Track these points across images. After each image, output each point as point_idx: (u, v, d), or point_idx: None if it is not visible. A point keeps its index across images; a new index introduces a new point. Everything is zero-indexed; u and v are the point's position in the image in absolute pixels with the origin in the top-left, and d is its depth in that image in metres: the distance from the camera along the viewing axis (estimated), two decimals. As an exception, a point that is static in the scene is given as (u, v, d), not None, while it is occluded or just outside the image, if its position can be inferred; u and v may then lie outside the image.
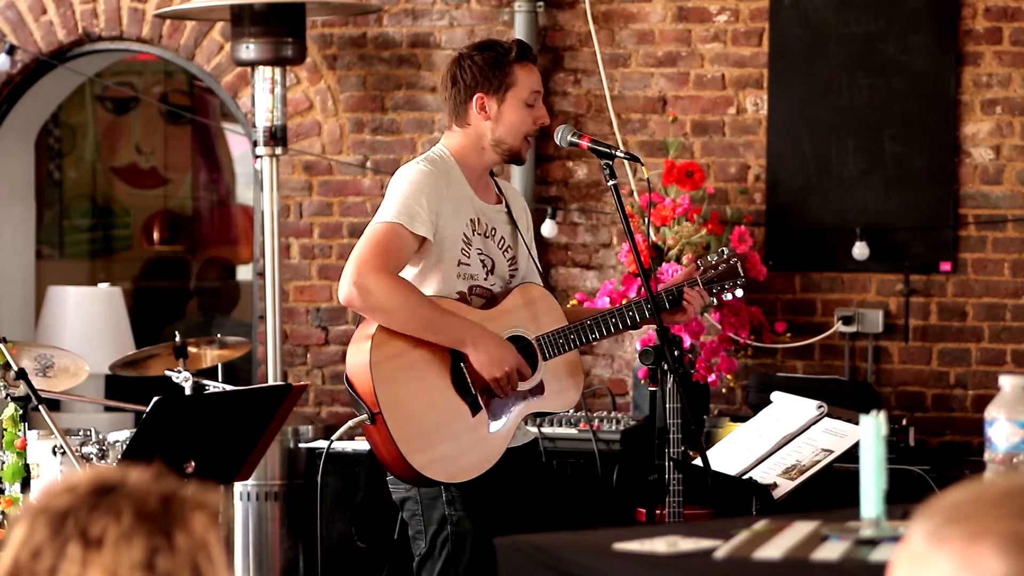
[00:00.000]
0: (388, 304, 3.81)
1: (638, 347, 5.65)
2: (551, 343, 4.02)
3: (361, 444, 5.54)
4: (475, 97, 4.00)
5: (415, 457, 3.81)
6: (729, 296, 4.26)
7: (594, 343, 4.39)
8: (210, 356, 5.48)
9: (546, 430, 5.55)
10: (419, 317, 3.83)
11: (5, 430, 4.49)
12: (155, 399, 4.10)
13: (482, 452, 3.92)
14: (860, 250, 5.91)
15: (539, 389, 4.02)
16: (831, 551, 2.52)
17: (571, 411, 5.74)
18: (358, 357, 3.86)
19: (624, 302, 4.09)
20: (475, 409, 3.93)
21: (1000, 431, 2.72)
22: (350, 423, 3.91)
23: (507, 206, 4.13)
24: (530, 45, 4.16)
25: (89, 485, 1.61)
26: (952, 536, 1.36)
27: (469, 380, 3.93)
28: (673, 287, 4.12)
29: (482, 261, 4.02)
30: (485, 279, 4.04)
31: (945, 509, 1.38)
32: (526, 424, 4.11)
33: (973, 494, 1.39)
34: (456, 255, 3.97)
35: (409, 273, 3.96)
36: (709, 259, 4.25)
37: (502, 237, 4.09)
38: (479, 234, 4.02)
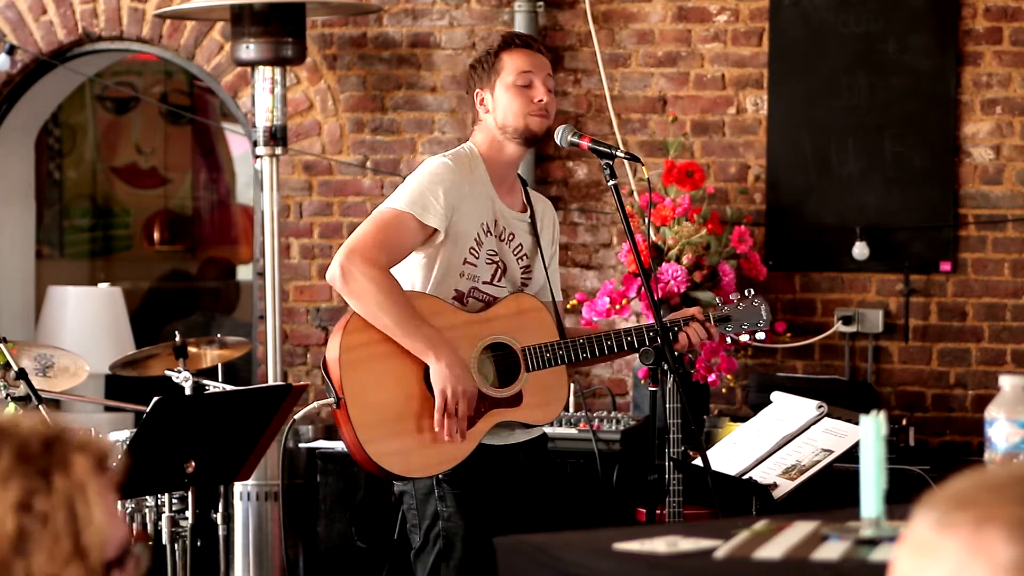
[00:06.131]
0: (364, 293, 3.83)
1: (638, 347, 5.65)
2: (537, 355, 3.99)
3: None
4: (475, 95, 4.07)
5: (371, 446, 3.82)
6: (746, 337, 4.22)
7: (585, 363, 4.33)
8: (210, 356, 5.48)
9: (546, 429, 5.54)
10: (389, 315, 3.82)
11: (5, 430, 4.48)
12: (155, 399, 4.10)
13: (445, 451, 3.89)
14: (860, 250, 5.91)
15: (516, 399, 3.99)
16: (831, 551, 2.52)
17: (570, 411, 5.74)
18: (333, 342, 3.89)
19: (624, 327, 4.06)
20: None
21: (1000, 431, 2.72)
22: (316, 404, 3.99)
23: (532, 217, 4.12)
24: (526, 33, 4.15)
25: None
26: (959, 523, 1.35)
27: None
28: (680, 319, 4.08)
29: (491, 263, 4.02)
30: (492, 282, 4.03)
31: (951, 497, 1.38)
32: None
33: (978, 481, 1.38)
34: (464, 253, 3.96)
35: (414, 262, 3.97)
36: (732, 297, 4.22)
37: (519, 244, 4.08)
38: (494, 236, 4.01)
